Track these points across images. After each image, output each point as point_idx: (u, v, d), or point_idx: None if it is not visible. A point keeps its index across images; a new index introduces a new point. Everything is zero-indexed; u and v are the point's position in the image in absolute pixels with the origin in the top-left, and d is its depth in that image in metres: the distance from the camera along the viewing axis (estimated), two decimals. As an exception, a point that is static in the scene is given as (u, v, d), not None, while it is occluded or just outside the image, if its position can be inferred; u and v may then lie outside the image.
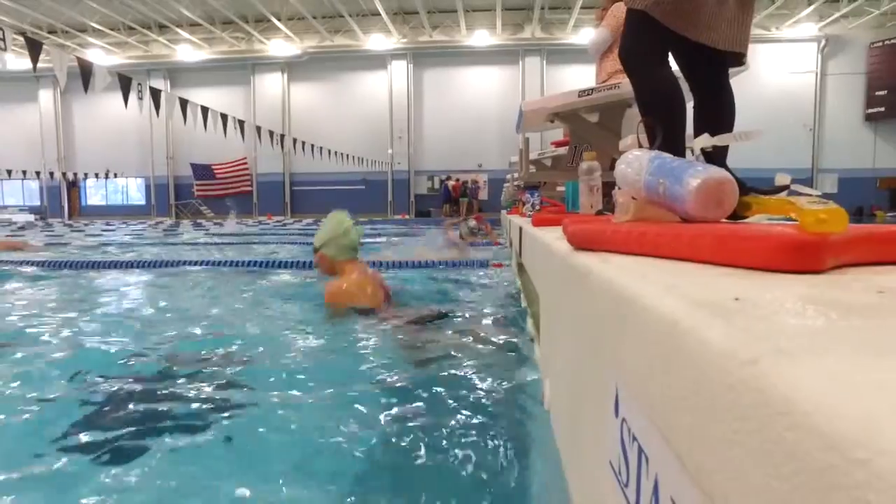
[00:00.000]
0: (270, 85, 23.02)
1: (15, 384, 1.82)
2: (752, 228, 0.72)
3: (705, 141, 1.08)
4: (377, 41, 21.37)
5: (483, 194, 21.46)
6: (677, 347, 0.42)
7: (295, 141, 13.91)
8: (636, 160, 1.22)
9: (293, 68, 22.74)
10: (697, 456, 0.36)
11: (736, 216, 1.07)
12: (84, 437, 1.45)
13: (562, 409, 1.17)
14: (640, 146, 1.39)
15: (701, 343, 0.38)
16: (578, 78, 18.03)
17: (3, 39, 4.88)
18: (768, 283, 0.54)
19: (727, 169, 1.09)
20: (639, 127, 1.34)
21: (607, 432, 0.67)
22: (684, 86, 1.74)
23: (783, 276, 0.57)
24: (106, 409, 1.65)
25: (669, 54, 1.71)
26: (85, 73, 6.04)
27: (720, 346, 0.35)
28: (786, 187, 1.06)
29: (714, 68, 1.65)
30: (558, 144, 5.66)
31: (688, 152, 1.48)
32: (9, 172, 19.09)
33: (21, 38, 5.91)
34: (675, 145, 1.47)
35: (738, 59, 1.67)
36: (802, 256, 0.58)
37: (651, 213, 1.19)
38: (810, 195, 0.93)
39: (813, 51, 20.16)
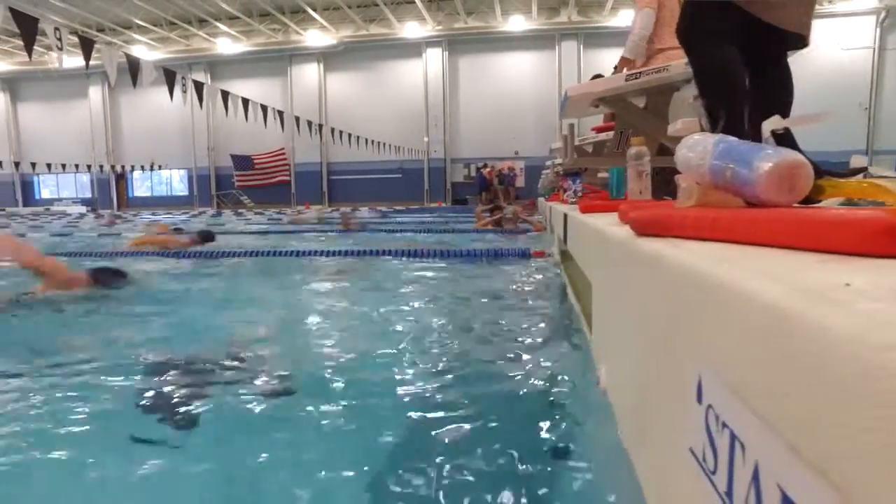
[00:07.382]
0: (307, 75, 23.28)
1: (78, 370, 1.92)
2: (836, 212, 0.69)
3: (776, 123, 1.04)
4: (412, 29, 21.31)
5: (520, 181, 21.25)
6: (786, 335, 0.41)
7: (332, 130, 14.07)
8: (698, 144, 1.19)
9: (329, 58, 22.92)
10: (822, 446, 0.35)
11: (808, 200, 1.03)
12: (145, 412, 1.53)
13: (625, 395, 1.16)
14: (702, 129, 1.35)
15: (820, 330, 0.37)
16: (616, 62, 17.51)
17: (60, 39, 5.08)
18: (874, 269, 0.52)
19: (800, 151, 1.05)
20: (700, 109, 1.30)
21: (687, 419, 0.66)
22: None
23: (883, 262, 0.55)
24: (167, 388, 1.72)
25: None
26: (133, 68, 6.24)
27: (845, 332, 0.34)
28: (863, 170, 1.02)
29: (777, 48, 1.59)
30: (599, 130, 5.54)
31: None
32: (63, 166, 19.98)
33: (74, 38, 6.14)
34: (736, 127, 1.42)
35: (801, 41, 1.59)
36: (903, 241, 0.56)
37: (715, 197, 1.16)
38: (890, 177, 0.89)
39: (871, 24, 19.03)
